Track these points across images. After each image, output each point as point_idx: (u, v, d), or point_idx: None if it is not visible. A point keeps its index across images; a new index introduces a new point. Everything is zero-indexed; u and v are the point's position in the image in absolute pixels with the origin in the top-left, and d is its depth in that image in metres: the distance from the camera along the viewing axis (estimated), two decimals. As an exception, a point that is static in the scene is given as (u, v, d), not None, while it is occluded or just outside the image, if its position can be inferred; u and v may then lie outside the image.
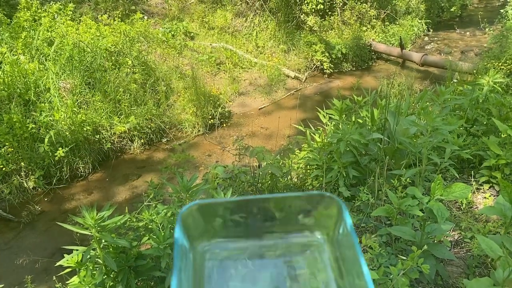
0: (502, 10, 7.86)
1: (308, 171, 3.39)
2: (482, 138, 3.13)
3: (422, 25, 10.27)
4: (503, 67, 5.44)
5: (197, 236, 0.57)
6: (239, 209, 0.58)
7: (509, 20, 7.16)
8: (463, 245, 2.45)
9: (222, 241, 0.59)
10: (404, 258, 1.69)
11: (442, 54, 9.02)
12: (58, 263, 1.99)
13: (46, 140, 4.56)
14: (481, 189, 2.99)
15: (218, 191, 2.34)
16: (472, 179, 2.98)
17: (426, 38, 10.31)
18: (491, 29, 8.36)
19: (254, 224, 0.59)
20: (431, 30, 10.54)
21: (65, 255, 2.01)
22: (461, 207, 2.82)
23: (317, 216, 0.59)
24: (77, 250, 2.01)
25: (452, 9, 11.52)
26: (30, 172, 4.59)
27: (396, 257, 2.10)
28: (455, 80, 5.63)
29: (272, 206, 0.58)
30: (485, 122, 3.44)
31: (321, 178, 3.00)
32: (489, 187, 2.98)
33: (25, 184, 4.53)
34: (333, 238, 0.57)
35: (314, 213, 0.59)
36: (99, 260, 2.00)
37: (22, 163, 4.49)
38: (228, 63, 7.53)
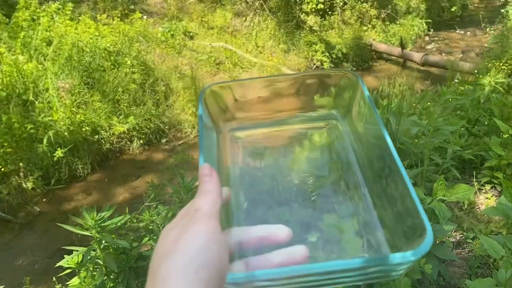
0: (502, 10, 7.86)
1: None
2: (483, 139, 3.12)
3: (423, 25, 10.25)
4: (504, 67, 5.43)
5: (219, 116, 0.58)
6: (257, 89, 0.59)
7: (510, 20, 7.15)
8: (465, 245, 2.43)
9: (243, 122, 0.60)
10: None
11: (443, 54, 9.00)
12: (58, 264, 1.97)
13: (45, 140, 4.54)
14: (483, 189, 2.98)
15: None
16: (474, 180, 2.97)
17: (427, 38, 10.30)
18: (492, 29, 8.35)
19: (273, 105, 0.60)
20: (432, 30, 10.53)
21: (65, 256, 1.99)
22: (463, 207, 2.81)
23: (333, 94, 0.60)
24: (77, 251, 1.99)
25: (452, 9, 11.51)
26: (29, 173, 4.57)
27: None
28: (456, 80, 5.61)
29: (289, 85, 0.59)
30: (486, 123, 3.43)
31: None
32: (491, 188, 2.97)
33: (24, 185, 4.51)
34: (352, 114, 0.57)
35: (331, 90, 0.60)
36: (99, 261, 1.98)
37: (21, 164, 4.47)
38: (228, 63, 7.52)
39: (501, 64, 5.54)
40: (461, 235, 2.50)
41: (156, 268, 0.36)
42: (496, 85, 3.61)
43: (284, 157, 0.58)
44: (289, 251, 0.41)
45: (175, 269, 0.34)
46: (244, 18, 8.83)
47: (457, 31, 10.65)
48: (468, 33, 10.46)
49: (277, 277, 0.38)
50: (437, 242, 2.17)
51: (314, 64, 8.14)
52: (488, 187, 2.96)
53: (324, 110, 0.61)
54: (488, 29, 8.88)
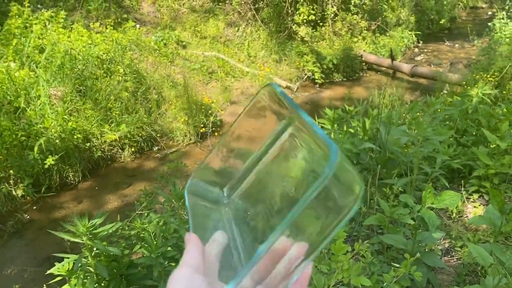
0: (489, 23, 8.01)
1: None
2: (471, 148, 3.17)
3: (412, 36, 10.41)
4: (491, 79, 5.53)
5: (210, 192, 0.66)
6: (224, 148, 0.68)
7: (496, 33, 7.29)
8: (453, 253, 2.47)
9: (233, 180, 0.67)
10: (398, 266, 1.70)
11: (431, 66, 9.14)
12: (48, 271, 1.97)
13: (36, 148, 4.51)
14: (471, 198, 3.02)
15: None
16: (462, 189, 3.01)
17: (416, 50, 10.45)
18: (479, 41, 8.51)
19: (238, 157, 0.68)
20: (421, 42, 10.69)
21: (55, 263, 1.98)
22: (452, 216, 2.85)
23: (270, 113, 0.65)
24: (68, 258, 1.99)
25: (441, 22, 11.71)
26: (19, 180, 4.53)
27: (388, 265, 2.11)
28: (444, 91, 5.70)
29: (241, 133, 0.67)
30: (474, 133, 3.49)
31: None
32: (479, 197, 3.01)
33: (14, 192, 4.47)
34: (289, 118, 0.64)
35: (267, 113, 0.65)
36: (91, 269, 1.98)
37: (11, 171, 4.44)
38: (220, 72, 7.56)
39: (488, 76, 5.64)
40: (449, 243, 2.53)
41: None
42: (483, 96, 3.68)
43: (271, 186, 0.65)
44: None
45: None
46: (236, 28, 8.90)
47: (445, 43, 10.82)
48: (457, 45, 10.64)
49: (261, 257, 0.43)
50: (426, 250, 2.20)
51: (305, 74, 8.21)
52: (476, 196, 3.01)
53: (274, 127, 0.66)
54: (475, 42, 9.04)
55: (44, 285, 2.35)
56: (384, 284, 1.65)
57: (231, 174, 0.67)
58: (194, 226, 0.56)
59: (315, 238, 0.48)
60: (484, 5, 14.87)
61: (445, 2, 12.17)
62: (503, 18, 7.49)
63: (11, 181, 4.48)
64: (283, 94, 0.58)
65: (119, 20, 7.72)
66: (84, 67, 5.60)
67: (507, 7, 8.06)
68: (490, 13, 9.55)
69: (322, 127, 3.62)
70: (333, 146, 0.43)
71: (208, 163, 0.66)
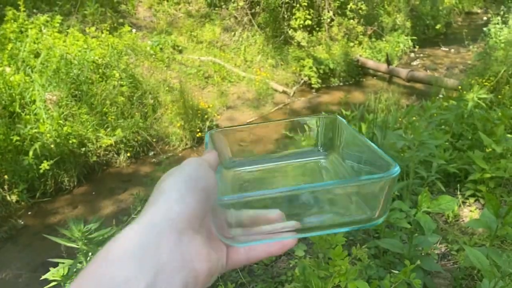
0: (485, 29, 8.06)
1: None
2: (467, 153, 3.18)
3: (408, 41, 10.46)
4: (486, 83, 5.56)
5: (220, 156, 0.65)
6: (255, 132, 0.68)
7: (491, 38, 7.34)
8: (450, 257, 2.46)
9: (240, 163, 0.68)
10: (396, 271, 1.69)
11: (427, 70, 9.17)
12: (43, 277, 1.95)
13: (30, 153, 4.49)
14: (466, 202, 3.03)
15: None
16: (458, 193, 3.01)
17: (412, 55, 10.49)
18: (474, 46, 8.55)
19: (265, 146, 0.70)
20: (417, 47, 10.74)
21: (50, 268, 1.96)
22: (448, 220, 2.85)
23: (317, 133, 0.69)
24: (63, 263, 1.97)
25: (437, 27, 11.78)
26: (13, 186, 4.51)
27: (385, 269, 2.10)
28: (440, 96, 5.72)
29: (280, 127, 0.69)
30: (470, 137, 3.50)
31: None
32: (475, 201, 3.02)
33: (8, 198, 4.44)
34: (335, 149, 0.67)
35: (315, 131, 0.69)
36: (85, 274, 1.96)
37: (6, 176, 4.41)
38: (216, 77, 7.56)
39: (483, 80, 5.67)
40: (446, 247, 2.53)
41: (158, 184, 0.44)
42: (479, 101, 3.70)
43: (280, 179, 0.67)
44: (261, 211, 0.47)
45: (173, 183, 0.42)
46: (233, 33, 8.92)
47: (441, 48, 10.88)
48: (452, 50, 10.69)
49: (266, 196, 0.44)
50: (423, 254, 2.19)
51: (302, 79, 8.22)
52: (472, 200, 3.01)
53: (310, 147, 0.70)
54: (471, 47, 9.09)
55: (38, 291, 2.33)
56: (381, 289, 1.64)
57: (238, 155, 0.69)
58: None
59: (312, 222, 0.48)
60: (479, 11, 14.97)
61: (440, 8, 12.24)
62: (498, 24, 7.54)
63: (6, 186, 4.45)
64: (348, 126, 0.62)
65: (115, 24, 7.72)
66: (79, 72, 5.59)
67: (501, 13, 8.11)
68: (485, 18, 9.61)
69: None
70: (396, 163, 0.45)
71: (229, 130, 0.68)
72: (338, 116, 0.65)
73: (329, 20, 9.25)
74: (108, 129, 5.40)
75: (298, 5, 8.86)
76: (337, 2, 9.25)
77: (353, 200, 0.48)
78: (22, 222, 4.33)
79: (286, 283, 2.32)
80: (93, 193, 4.87)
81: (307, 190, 0.44)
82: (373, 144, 0.53)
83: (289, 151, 0.69)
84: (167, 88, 6.59)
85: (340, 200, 0.47)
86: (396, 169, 0.44)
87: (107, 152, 5.36)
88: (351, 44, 9.31)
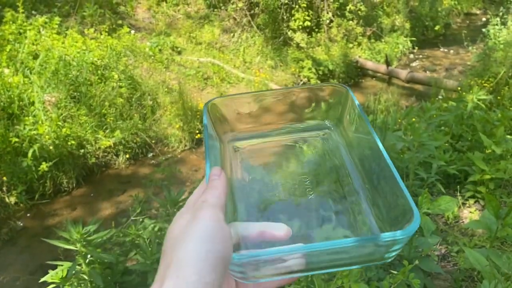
0: (484, 29, 8.07)
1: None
2: (467, 154, 3.17)
3: (407, 42, 10.45)
4: (486, 84, 5.56)
5: (221, 127, 0.63)
6: (256, 102, 0.64)
7: (490, 39, 7.34)
8: (450, 259, 2.46)
9: (243, 132, 0.65)
10: (395, 272, 1.69)
11: (427, 72, 9.18)
12: (42, 279, 1.94)
13: (29, 154, 4.48)
14: (466, 203, 3.02)
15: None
16: (458, 194, 3.01)
17: (411, 56, 10.49)
18: (474, 47, 8.56)
19: (269, 116, 0.66)
20: (416, 48, 10.73)
21: (49, 271, 1.96)
22: (448, 221, 2.84)
23: (325, 105, 0.66)
24: (61, 265, 1.96)
25: (436, 28, 11.77)
26: (12, 187, 4.49)
27: (385, 271, 2.10)
28: (440, 97, 5.72)
29: (283, 98, 0.65)
30: (470, 138, 3.49)
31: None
32: (475, 202, 3.01)
33: (7, 200, 4.43)
34: (343, 123, 0.63)
35: (323, 102, 0.66)
36: (85, 276, 1.95)
37: (4, 178, 4.40)
38: (216, 78, 7.55)
39: (483, 81, 5.67)
40: (446, 249, 2.52)
41: (169, 251, 0.42)
42: (478, 102, 3.69)
43: (282, 163, 0.63)
44: (269, 225, 0.46)
45: (188, 253, 0.39)
46: (232, 34, 8.91)
47: (440, 49, 10.88)
48: (452, 51, 10.70)
49: (277, 256, 0.42)
50: (423, 255, 2.19)
51: (301, 80, 8.22)
52: (472, 201, 3.00)
53: (317, 120, 0.67)
54: (470, 48, 9.09)
55: (37, 293, 2.32)
56: (381, 291, 1.64)
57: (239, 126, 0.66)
58: (212, 156, 0.54)
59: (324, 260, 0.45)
60: (478, 12, 14.98)
61: (439, 9, 12.24)
62: (497, 25, 7.54)
63: (4, 188, 4.44)
64: (360, 106, 0.60)
65: (114, 26, 7.71)
66: (78, 73, 5.58)
67: (500, 14, 8.12)
68: (484, 19, 9.61)
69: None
70: (416, 211, 0.42)
71: (233, 97, 0.65)
72: (348, 89, 0.62)
73: (328, 21, 9.25)
74: (107, 131, 5.39)
75: (297, 6, 8.86)
76: (336, 3, 9.25)
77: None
78: (21, 224, 4.32)
79: (288, 286, 2.31)
80: (92, 194, 4.87)
81: (322, 249, 0.42)
82: (378, 142, 0.52)
83: (294, 124, 0.66)
84: (166, 89, 6.58)
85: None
86: (415, 224, 0.41)
87: (106, 154, 5.35)
88: (350, 45, 9.31)
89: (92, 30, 6.96)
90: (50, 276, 1.94)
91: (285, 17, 8.94)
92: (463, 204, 3.01)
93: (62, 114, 5.09)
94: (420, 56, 10.46)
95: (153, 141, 5.77)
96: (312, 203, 0.55)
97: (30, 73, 5.35)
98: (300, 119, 0.66)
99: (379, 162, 0.51)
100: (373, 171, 0.54)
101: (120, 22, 7.95)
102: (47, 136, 4.70)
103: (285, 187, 0.58)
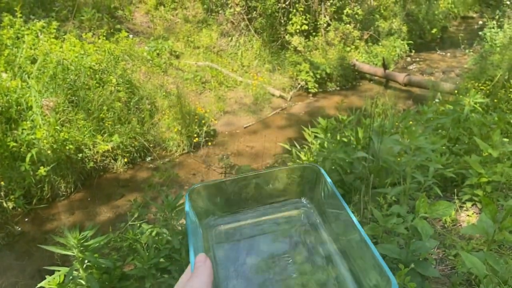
0: (480, 33, 8.10)
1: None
2: (464, 157, 3.18)
3: (404, 46, 10.49)
4: (483, 87, 5.58)
5: (203, 212, 0.66)
6: (236, 186, 0.68)
7: (487, 42, 7.37)
8: (447, 262, 2.46)
9: (224, 216, 0.68)
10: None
11: (424, 75, 9.20)
12: (39, 285, 1.94)
13: (27, 158, 4.48)
14: (464, 207, 3.03)
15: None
16: (455, 197, 3.02)
17: (409, 59, 10.53)
18: (470, 50, 8.59)
19: (249, 198, 0.69)
20: (413, 51, 10.78)
21: (47, 276, 1.95)
22: (445, 225, 2.85)
23: (300, 184, 0.70)
24: (59, 271, 1.96)
25: (433, 31, 11.82)
26: (10, 192, 4.49)
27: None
28: (437, 100, 5.74)
29: (262, 179, 0.69)
30: (466, 141, 3.50)
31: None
32: (472, 205, 3.02)
33: (5, 204, 4.42)
34: (318, 201, 0.67)
35: (297, 182, 0.70)
36: (82, 281, 1.95)
37: (2, 183, 4.39)
38: (214, 82, 7.56)
39: (480, 84, 5.69)
40: (443, 252, 2.53)
41: None
42: (475, 105, 3.71)
43: (263, 243, 0.66)
44: None
45: None
46: (229, 38, 8.93)
47: (437, 52, 10.92)
48: (448, 54, 10.74)
49: None
50: (420, 259, 2.19)
51: (299, 83, 8.24)
52: (469, 204, 3.01)
53: (294, 199, 0.72)
54: (467, 51, 9.13)
55: (34, 299, 2.31)
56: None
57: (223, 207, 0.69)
58: (195, 243, 0.56)
59: None
60: (474, 15, 15.04)
61: (436, 12, 12.29)
62: (493, 28, 7.58)
63: (2, 193, 4.44)
64: (332, 184, 0.63)
65: (112, 30, 7.72)
66: (76, 78, 5.59)
67: (497, 17, 8.15)
68: (480, 22, 9.65)
69: (315, 136, 3.62)
70: (394, 281, 0.46)
71: (214, 184, 0.67)
72: (320, 168, 0.67)
73: (325, 25, 9.29)
74: (105, 135, 5.39)
75: (294, 10, 8.89)
76: (334, 7, 9.29)
77: None
78: (19, 229, 4.31)
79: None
80: (90, 199, 4.86)
81: None
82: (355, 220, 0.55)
83: (273, 204, 0.70)
84: (164, 93, 6.59)
85: None
86: None
87: (104, 158, 5.35)
88: (348, 48, 9.34)
89: (90, 34, 6.96)
90: (48, 282, 1.94)
91: (282, 21, 8.97)
92: (461, 207, 3.02)
93: (60, 118, 5.09)
94: (417, 59, 10.50)
95: (151, 145, 5.77)
96: (295, 280, 0.58)
97: (28, 77, 5.35)
98: (278, 199, 0.70)
99: (355, 235, 0.55)
100: (350, 245, 0.57)
101: (118, 26, 7.97)
102: (45, 141, 4.69)
103: (267, 266, 0.60)
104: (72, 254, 1.91)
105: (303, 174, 0.69)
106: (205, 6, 9.36)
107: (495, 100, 5.05)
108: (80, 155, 5.06)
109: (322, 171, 0.65)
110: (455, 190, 3.06)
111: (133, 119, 5.83)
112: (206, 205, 0.66)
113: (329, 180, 0.63)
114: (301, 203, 0.70)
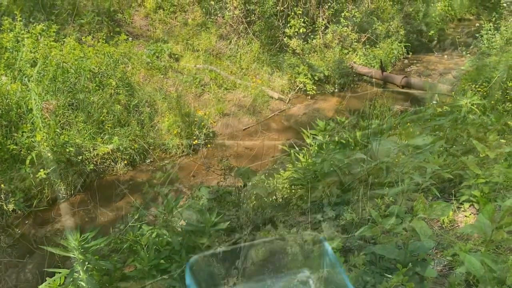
0: (477, 35, 8.14)
1: (293, 190, 3.41)
2: (461, 158, 3.20)
3: (402, 48, 10.53)
4: (480, 89, 5.60)
5: (204, 282, 0.64)
6: (237, 255, 0.65)
7: (484, 44, 7.41)
8: (445, 262, 2.48)
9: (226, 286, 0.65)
10: (390, 276, 1.71)
11: (421, 76, 9.23)
12: (40, 287, 1.95)
13: (27, 161, 4.49)
14: (461, 207, 3.04)
15: (203, 212, 2.34)
16: (453, 198, 3.03)
17: (406, 61, 10.56)
18: (467, 52, 8.63)
19: (249, 268, 0.66)
20: (411, 53, 10.81)
21: (47, 278, 1.97)
22: (443, 225, 2.86)
23: (303, 255, 0.67)
24: (59, 273, 1.97)
25: (430, 33, 11.86)
26: (10, 194, 4.49)
27: (381, 275, 2.12)
28: (434, 102, 5.76)
29: (263, 248, 0.65)
30: (464, 142, 3.52)
31: (305, 198, 3.02)
32: (469, 206, 3.03)
33: (5, 207, 4.43)
34: (320, 272, 0.64)
35: (300, 252, 0.66)
36: (82, 283, 1.96)
37: (2, 185, 4.40)
38: (213, 85, 7.58)
39: (477, 86, 5.71)
40: (441, 253, 2.54)
41: None
42: (472, 107, 3.74)
43: None
44: None
45: None
46: (228, 41, 8.96)
47: (435, 54, 10.95)
48: (446, 56, 10.77)
49: None
50: (418, 259, 2.21)
51: (297, 86, 8.26)
52: (466, 205, 3.02)
53: (296, 269, 0.69)
54: (464, 53, 9.17)
55: (36, 300, 2.33)
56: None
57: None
58: None
59: None
60: (471, 17, 15.09)
61: (433, 14, 12.33)
62: (490, 30, 7.62)
63: (2, 196, 4.44)
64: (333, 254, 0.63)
65: (111, 33, 7.74)
66: (76, 80, 5.60)
67: (493, 19, 8.19)
68: (477, 24, 9.69)
69: (313, 137, 3.64)
70: None
71: (213, 254, 0.68)
72: (322, 238, 0.66)
73: (323, 27, 9.32)
74: (105, 137, 5.41)
75: (293, 13, 8.93)
76: (331, 10, 9.33)
77: None
78: (19, 231, 4.31)
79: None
80: (90, 201, 4.87)
81: None
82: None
83: (276, 274, 0.69)
84: (163, 96, 6.61)
85: None
86: None
87: (104, 160, 5.36)
88: (346, 51, 9.38)
89: (89, 37, 6.98)
90: (48, 284, 1.96)
91: (281, 24, 9.00)
92: (458, 208, 3.04)
93: (60, 121, 5.11)
94: (415, 61, 10.53)
95: (150, 147, 5.79)
96: None
97: (28, 80, 5.36)
98: (280, 269, 0.69)
99: None
100: None
101: (117, 29, 7.99)
102: (45, 143, 4.70)
103: None
104: (73, 256, 1.93)
105: (306, 244, 0.67)
106: (204, 9, 9.40)
107: (492, 102, 5.07)
108: (80, 157, 5.07)
109: (325, 242, 0.64)
110: (453, 191, 3.08)
111: (133, 121, 5.85)
112: (206, 275, 0.65)
113: (330, 251, 0.62)
114: (304, 273, 0.68)
